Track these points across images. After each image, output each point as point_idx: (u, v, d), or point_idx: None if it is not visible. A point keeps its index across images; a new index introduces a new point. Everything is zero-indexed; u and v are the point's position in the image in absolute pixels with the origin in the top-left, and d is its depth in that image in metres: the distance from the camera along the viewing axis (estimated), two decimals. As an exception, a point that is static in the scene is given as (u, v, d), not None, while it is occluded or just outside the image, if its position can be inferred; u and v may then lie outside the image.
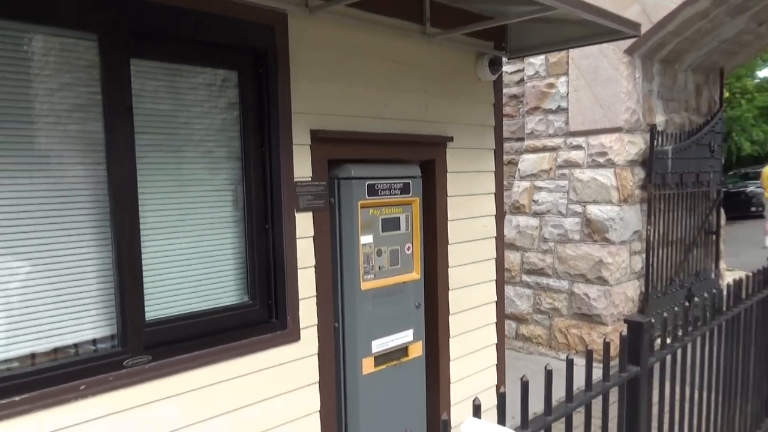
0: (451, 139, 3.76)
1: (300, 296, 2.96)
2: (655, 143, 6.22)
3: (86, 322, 2.37)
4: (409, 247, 3.47)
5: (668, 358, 2.65)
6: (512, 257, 6.72)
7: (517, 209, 6.80)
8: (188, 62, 2.65)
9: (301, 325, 2.98)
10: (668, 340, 2.65)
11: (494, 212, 4.17)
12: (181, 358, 2.54)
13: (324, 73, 3.07)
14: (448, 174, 3.79)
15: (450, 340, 3.84)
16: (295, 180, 2.93)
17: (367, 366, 3.27)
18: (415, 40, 3.51)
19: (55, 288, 2.29)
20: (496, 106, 4.17)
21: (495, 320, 4.20)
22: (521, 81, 7.11)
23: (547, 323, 6.49)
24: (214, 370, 2.64)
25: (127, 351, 2.41)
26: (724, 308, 3.17)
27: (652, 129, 6.23)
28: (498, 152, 4.18)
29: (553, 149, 6.57)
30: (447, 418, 1.66)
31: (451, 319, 3.84)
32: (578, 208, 6.29)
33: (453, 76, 3.82)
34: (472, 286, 4.00)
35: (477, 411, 1.77)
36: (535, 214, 6.64)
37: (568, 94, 6.43)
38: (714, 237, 7.50)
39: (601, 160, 6.15)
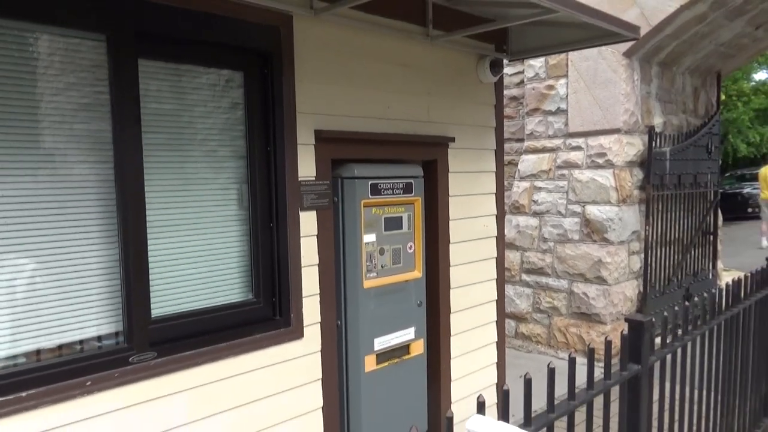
0: (452, 139, 3.79)
1: (303, 294, 2.99)
2: (654, 145, 6.26)
3: (92, 318, 2.39)
4: (411, 246, 3.49)
5: (668, 357, 2.68)
6: (512, 257, 6.75)
7: (517, 209, 6.84)
8: (195, 63, 2.67)
9: (305, 323, 3.00)
10: (668, 339, 2.68)
11: (495, 212, 4.20)
12: (186, 355, 2.56)
13: (328, 74, 3.10)
14: (449, 174, 3.82)
15: (451, 338, 3.87)
16: (299, 179, 2.95)
17: (370, 363, 3.29)
18: (417, 42, 3.54)
19: (63, 285, 2.31)
20: (497, 107, 4.21)
21: (495, 319, 4.23)
22: (521, 83, 7.14)
23: (546, 322, 6.53)
24: (218, 366, 2.67)
25: (133, 347, 2.43)
26: (724, 308, 3.21)
27: (651, 130, 6.27)
28: (499, 153, 4.22)
29: (552, 150, 6.61)
30: (452, 416, 1.69)
31: (452, 317, 3.87)
32: (577, 209, 6.33)
33: (455, 78, 3.85)
34: (472, 285, 4.03)
35: (481, 408, 1.79)
36: (535, 214, 6.68)
37: (567, 95, 6.46)
38: (711, 237, 7.54)
39: (600, 161, 6.18)
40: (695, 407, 3.05)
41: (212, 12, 2.61)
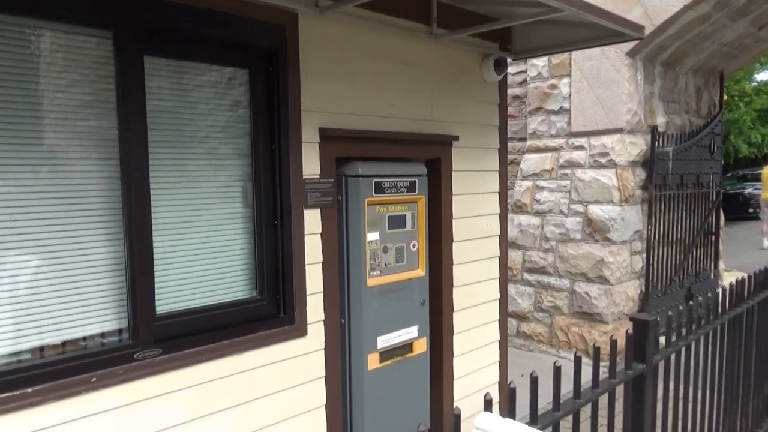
0: (456, 138, 3.79)
1: (307, 292, 2.99)
2: (656, 144, 6.25)
3: (97, 315, 2.39)
4: (414, 245, 3.50)
5: (673, 356, 2.68)
6: (514, 256, 6.75)
7: (519, 208, 6.84)
8: (200, 60, 2.67)
9: (308, 321, 3.01)
10: (672, 339, 2.68)
11: (498, 211, 4.20)
12: (191, 352, 2.57)
13: (333, 72, 3.10)
14: (453, 173, 3.82)
15: (454, 336, 3.87)
16: (303, 177, 2.95)
17: (373, 361, 3.30)
18: (421, 41, 3.54)
19: (68, 282, 2.31)
20: (501, 106, 4.21)
21: (498, 317, 4.23)
22: (524, 82, 7.14)
23: (548, 321, 6.53)
24: (222, 363, 2.67)
25: (138, 344, 2.43)
26: (727, 308, 3.21)
27: (653, 130, 6.27)
28: (502, 152, 4.22)
29: (555, 149, 6.61)
30: (459, 413, 1.69)
31: (455, 316, 3.87)
32: (580, 208, 6.33)
33: (458, 77, 3.85)
34: (475, 283, 4.03)
35: (488, 405, 1.80)
36: (537, 214, 6.68)
37: (570, 95, 6.46)
38: (713, 238, 7.54)
39: (603, 160, 6.18)
40: (698, 406, 3.06)
41: (218, 9, 2.61)
